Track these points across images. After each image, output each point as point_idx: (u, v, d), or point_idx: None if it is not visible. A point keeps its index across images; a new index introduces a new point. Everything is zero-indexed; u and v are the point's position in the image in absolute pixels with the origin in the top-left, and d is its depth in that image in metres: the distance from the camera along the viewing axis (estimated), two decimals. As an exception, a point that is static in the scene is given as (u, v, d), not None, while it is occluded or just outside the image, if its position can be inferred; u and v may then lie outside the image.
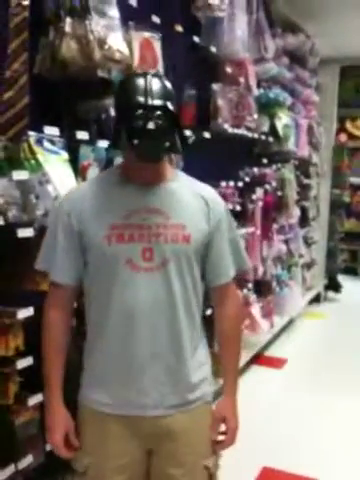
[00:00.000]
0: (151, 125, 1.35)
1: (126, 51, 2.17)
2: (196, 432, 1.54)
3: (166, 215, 1.45)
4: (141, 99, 1.36)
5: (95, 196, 1.47)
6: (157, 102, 1.37)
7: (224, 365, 1.61)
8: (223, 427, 1.59)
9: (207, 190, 1.56)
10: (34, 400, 1.98)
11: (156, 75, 1.42)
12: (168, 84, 1.43)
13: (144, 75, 1.40)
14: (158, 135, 1.37)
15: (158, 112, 1.37)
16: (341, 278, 7.01)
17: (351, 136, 8.03)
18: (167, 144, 1.40)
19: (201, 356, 1.56)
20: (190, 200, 1.49)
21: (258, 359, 4.44)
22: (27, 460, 1.96)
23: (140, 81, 1.39)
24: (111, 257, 1.43)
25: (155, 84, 1.39)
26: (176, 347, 1.48)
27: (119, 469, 1.50)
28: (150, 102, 1.36)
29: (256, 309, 4.28)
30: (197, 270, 1.51)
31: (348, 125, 8.21)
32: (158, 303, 1.44)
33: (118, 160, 2.43)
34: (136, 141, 1.37)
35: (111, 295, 1.45)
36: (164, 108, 1.38)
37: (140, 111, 1.36)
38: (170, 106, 1.39)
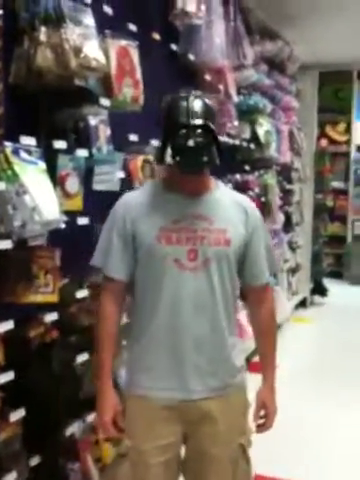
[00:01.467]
0: (191, 143, 1.54)
1: (102, 59, 2.16)
2: (233, 414, 1.73)
3: (210, 220, 1.65)
4: (183, 119, 1.56)
5: (147, 202, 1.68)
6: (197, 121, 1.55)
7: (263, 358, 1.82)
8: (262, 412, 1.80)
9: (246, 200, 1.78)
10: (16, 415, 1.93)
11: (197, 96, 1.60)
12: (208, 103, 1.61)
13: (186, 97, 1.59)
14: (198, 151, 1.55)
15: (198, 130, 1.55)
16: (327, 282, 7.03)
17: (332, 141, 8.11)
18: (205, 159, 1.57)
19: (237, 344, 1.76)
20: (231, 208, 1.70)
21: (246, 365, 4.40)
22: (11, 476, 1.91)
23: (183, 103, 1.58)
24: (160, 256, 1.63)
25: (196, 105, 1.57)
26: (216, 336, 1.66)
27: (160, 450, 1.66)
28: (191, 122, 1.55)
29: (242, 315, 4.26)
30: (235, 269, 1.70)
31: (329, 130, 8.29)
32: (201, 297, 1.63)
33: (100, 169, 2.42)
34: (178, 157, 1.57)
35: (160, 291, 1.64)
36: (204, 126, 1.55)
37: (183, 130, 1.55)
38: (210, 124, 1.56)
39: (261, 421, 1.82)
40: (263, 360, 1.84)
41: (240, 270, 1.74)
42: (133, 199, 1.73)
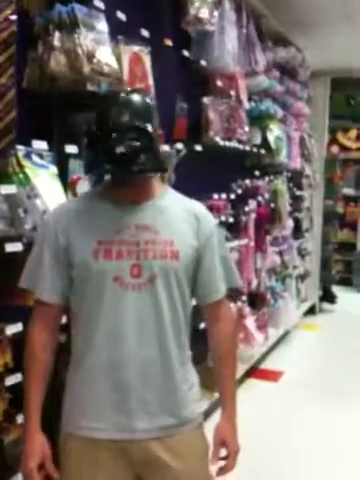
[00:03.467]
0: (121, 149, 1.33)
1: (115, 65, 2.17)
2: (189, 459, 1.47)
3: (155, 231, 1.43)
4: (113, 121, 1.34)
5: (83, 213, 1.46)
6: (129, 123, 1.34)
7: (221, 385, 1.57)
8: (223, 452, 1.52)
9: (197, 206, 1.55)
10: (23, 418, 1.94)
11: (131, 93, 1.40)
12: (145, 101, 1.40)
13: (118, 94, 1.40)
14: (128, 159, 1.34)
15: (131, 134, 1.34)
16: (336, 289, 7.00)
17: (343, 148, 8.09)
18: (136, 168, 1.35)
19: (191, 376, 1.53)
20: (179, 216, 1.48)
21: (253, 372, 4.41)
22: (17, 478, 1.92)
23: (114, 101, 1.38)
24: (98, 274, 1.40)
25: (129, 103, 1.37)
26: (165, 367, 1.43)
27: None
28: (122, 124, 1.34)
29: (250, 322, 4.26)
30: (186, 286, 1.48)
31: (340, 137, 8.26)
32: (146, 321, 1.41)
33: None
34: (107, 165, 1.35)
35: (98, 313, 1.41)
36: (138, 129, 1.35)
37: (112, 134, 1.33)
38: (145, 126, 1.36)
39: (221, 463, 1.53)
40: (220, 388, 1.57)
41: (192, 286, 1.51)
42: (66, 209, 1.49)
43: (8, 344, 1.90)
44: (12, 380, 1.89)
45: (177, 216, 1.48)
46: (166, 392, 1.44)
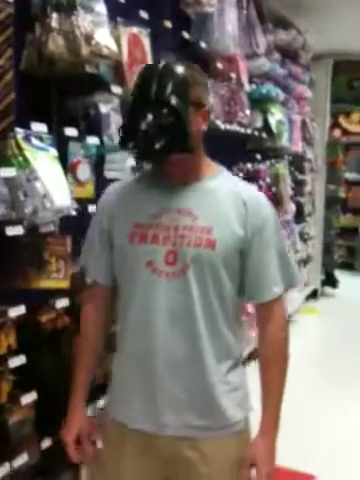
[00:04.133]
0: (143, 126, 1.25)
1: (114, 47, 2.16)
2: (219, 465, 1.36)
3: (193, 216, 1.33)
4: (142, 96, 1.28)
5: (127, 194, 1.42)
6: (158, 98, 1.26)
7: (263, 396, 1.41)
8: (252, 472, 1.38)
9: (249, 191, 1.40)
10: (28, 399, 1.96)
11: (168, 65, 1.29)
12: (185, 76, 1.28)
13: (153, 67, 1.30)
14: (150, 136, 1.25)
15: (161, 109, 1.26)
16: (338, 273, 7.01)
17: (345, 131, 8.04)
18: (158, 145, 1.25)
19: (234, 377, 1.40)
20: (225, 201, 1.35)
21: (255, 354, 4.41)
22: (22, 459, 1.94)
23: (148, 74, 1.30)
24: (132, 257, 1.35)
25: (163, 77, 1.27)
26: (195, 362, 1.34)
27: None
28: (151, 98, 1.26)
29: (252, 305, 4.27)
30: (227, 280, 1.34)
31: (342, 120, 8.21)
32: (176, 312, 1.32)
33: (111, 157, 2.43)
34: (132, 143, 1.29)
35: (131, 300, 1.37)
36: (166, 104, 1.26)
37: (138, 109, 1.27)
38: (174, 101, 1.26)
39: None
40: (263, 399, 1.41)
41: (239, 280, 1.38)
42: (115, 190, 1.46)
43: (11, 326, 1.90)
44: (16, 362, 1.90)
45: (223, 201, 1.35)
46: (197, 390, 1.35)
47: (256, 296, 1.39)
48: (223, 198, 1.35)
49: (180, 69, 1.29)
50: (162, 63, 1.30)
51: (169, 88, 1.26)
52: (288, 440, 3.08)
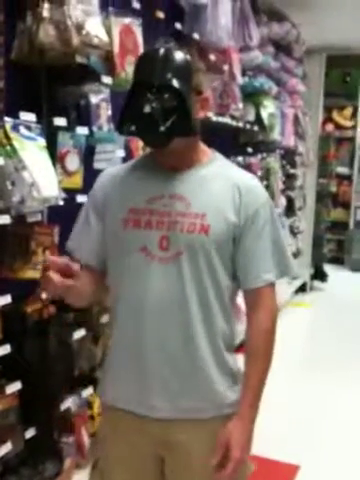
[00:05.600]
0: (147, 108, 1.23)
1: (105, 37, 2.15)
2: (212, 447, 1.33)
3: (187, 202, 1.33)
4: (143, 78, 1.27)
5: (123, 178, 1.42)
6: (161, 81, 1.25)
7: (244, 382, 1.38)
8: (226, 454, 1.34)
9: (244, 178, 1.39)
10: (12, 388, 1.97)
11: (169, 49, 1.28)
12: (186, 60, 1.28)
13: (156, 51, 1.28)
14: (154, 119, 1.24)
15: (162, 92, 1.25)
16: (327, 267, 7.04)
17: (338, 126, 8.06)
18: (163, 128, 1.25)
19: (226, 361, 1.39)
20: (220, 188, 1.34)
21: (243, 348, 4.44)
22: (6, 448, 1.96)
23: (149, 57, 1.29)
24: (125, 242, 1.35)
25: (164, 59, 1.26)
26: (187, 347, 1.33)
27: (123, 467, 1.42)
28: (153, 82, 1.25)
29: (240, 298, 4.29)
30: (220, 266, 1.34)
31: (335, 115, 8.22)
32: (168, 297, 1.32)
33: (101, 147, 2.42)
34: (133, 126, 1.29)
35: (122, 284, 1.37)
36: (168, 87, 1.25)
37: (141, 92, 1.25)
38: (176, 84, 1.25)
39: (220, 464, 1.33)
40: (244, 385, 1.38)
41: (232, 266, 1.37)
42: (110, 174, 1.46)
43: (-3, 316, 1.91)
44: (1, 351, 1.91)
45: (217, 187, 1.35)
46: (189, 373, 1.34)
47: (246, 282, 1.38)
48: (217, 184, 1.35)
49: (181, 55, 1.29)
50: (163, 48, 1.28)
51: (172, 72, 1.26)
52: (272, 430, 3.13)
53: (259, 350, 1.38)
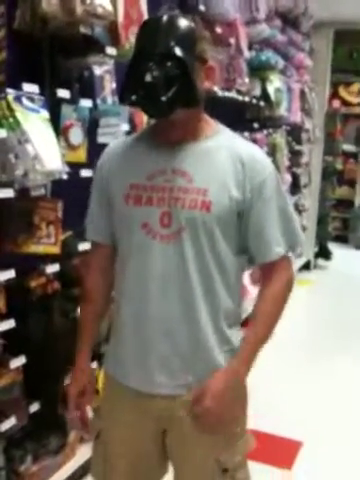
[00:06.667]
0: (148, 77, 1.20)
1: (109, 7, 2.10)
2: None
3: (189, 177, 1.30)
4: (145, 47, 1.23)
5: (125, 154, 1.39)
6: (163, 49, 1.21)
7: (241, 340, 1.38)
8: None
9: (249, 151, 1.35)
10: (16, 362, 1.97)
11: (172, 17, 1.24)
12: (190, 28, 1.24)
13: (158, 19, 1.24)
14: (155, 88, 1.20)
15: (164, 61, 1.20)
16: (332, 246, 7.01)
17: (344, 102, 7.94)
18: (165, 98, 1.21)
19: (230, 337, 1.38)
20: (223, 162, 1.31)
21: (246, 324, 4.45)
22: (10, 422, 1.96)
23: (151, 26, 1.25)
24: (128, 219, 1.34)
25: (168, 29, 1.22)
26: (190, 325, 1.32)
27: (125, 440, 1.44)
28: (154, 50, 1.21)
29: (245, 276, 4.28)
30: (223, 242, 1.32)
31: (341, 91, 8.10)
32: (170, 275, 1.31)
33: (105, 121, 2.38)
34: (134, 96, 1.25)
35: (128, 261, 1.36)
36: (170, 55, 1.21)
37: (142, 61, 1.22)
38: (178, 52, 1.21)
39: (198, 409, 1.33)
40: (240, 342, 1.38)
41: (238, 243, 1.35)
42: (113, 149, 1.44)
43: (1, 290, 1.90)
44: (5, 326, 1.90)
45: (220, 162, 1.31)
46: (192, 349, 1.34)
47: (259, 257, 1.37)
48: (220, 159, 1.32)
49: (185, 22, 1.25)
50: (166, 16, 1.25)
51: (175, 40, 1.22)
52: (275, 407, 3.14)
53: (263, 314, 1.37)
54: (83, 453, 2.35)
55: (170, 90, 1.22)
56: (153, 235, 1.31)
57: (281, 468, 2.66)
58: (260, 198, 1.32)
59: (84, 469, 2.33)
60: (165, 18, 1.24)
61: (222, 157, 1.32)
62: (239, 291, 1.43)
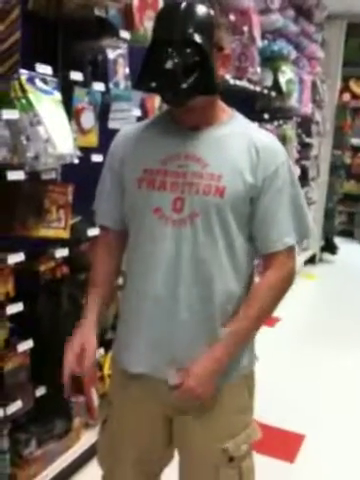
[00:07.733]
0: (169, 64, 1.19)
1: (124, -11, 2.07)
2: (217, 410, 1.36)
3: (204, 163, 1.29)
4: (163, 34, 1.22)
5: (139, 138, 1.38)
6: (182, 36, 1.19)
7: (230, 324, 1.34)
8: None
9: (264, 139, 1.34)
10: (24, 346, 1.96)
11: (190, 3, 1.22)
12: (209, 14, 1.23)
13: (176, 5, 1.22)
14: (175, 76, 1.19)
15: (183, 48, 1.19)
16: (337, 240, 6.99)
17: (355, 96, 7.88)
18: (185, 85, 1.20)
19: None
20: (238, 148, 1.30)
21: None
22: (16, 405, 1.96)
23: (169, 12, 1.23)
24: (140, 203, 1.33)
25: (185, 14, 1.20)
26: (202, 311, 1.32)
27: (133, 427, 1.44)
28: (173, 37, 1.19)
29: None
30: (236, 228, 1.30)
31: (352, 85, 8.04)
32: (181, 260, 1.29)
33: (116, 106, 2.35)
34: (154, 83, 1.23)
35: (137, 245, 1.36)
36: (190, 42, 1.19)
37: (161, 48, 1.21)
38: (198, 39, 1.19)
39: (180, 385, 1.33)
40: (228, 326, 1.34)
41: (248, 229, 1.34)
42: (126, 133, 1.43)
43: (10, 273, 1.88)
44: (13, 309, 1.89)
45: (234, 148, 1.30)
46: (202, 335, 1.33)
47: (264, 247, 1.34)
48: (234, 145, 1.31)
49: (203, 9, 1.23)
50: (184, 2, 1.23)
51: (193, 27, 1.20)
52: (278, 400, 3.13)
53: (256, 300, 1.34)
54: (88, 438, 2.35)
55: (190, 77, 1.21)
56: (165, 220, 1.30)
57: (284, 461, 2.65)
58: (271, 187, 1.31)
59: (89, 454, 2.34)
60: (184, 4, 1.22)
61: (237, 143, 1.31)
62: (248, 278, 1.40)
